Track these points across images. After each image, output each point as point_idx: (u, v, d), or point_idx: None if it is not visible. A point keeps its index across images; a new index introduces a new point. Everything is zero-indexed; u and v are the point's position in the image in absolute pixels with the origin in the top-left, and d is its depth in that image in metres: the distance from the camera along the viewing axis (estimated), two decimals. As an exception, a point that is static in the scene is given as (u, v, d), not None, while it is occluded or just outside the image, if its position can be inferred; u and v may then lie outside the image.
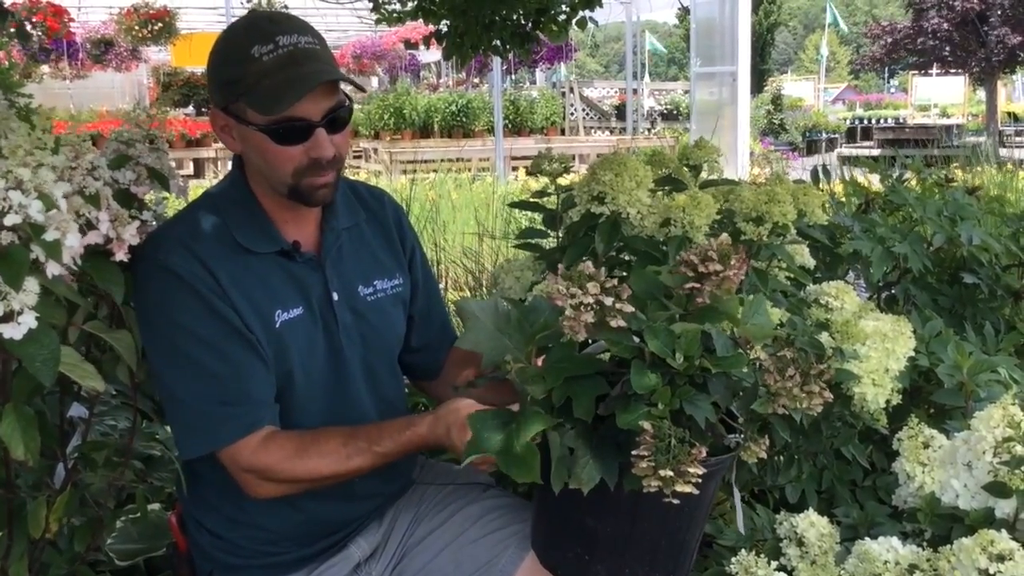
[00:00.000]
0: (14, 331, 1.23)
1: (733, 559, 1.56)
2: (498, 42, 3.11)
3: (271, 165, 1.58)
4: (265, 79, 1.52)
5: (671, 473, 1.22)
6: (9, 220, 1.23)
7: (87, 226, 1.40)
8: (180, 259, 1.55)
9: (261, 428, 1.57)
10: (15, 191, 1.24)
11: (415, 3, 3.16)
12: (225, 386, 1.55)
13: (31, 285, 1.25)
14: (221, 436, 1.56)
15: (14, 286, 1.23)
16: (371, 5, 3.38)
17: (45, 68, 15.77)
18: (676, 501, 1.23)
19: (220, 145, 14.85)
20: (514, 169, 13.32)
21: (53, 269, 1.29)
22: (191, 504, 1.74)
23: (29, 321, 1.24)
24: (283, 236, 1.65)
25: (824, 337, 1.76)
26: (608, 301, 1.28)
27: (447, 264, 5.06)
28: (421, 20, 3.21)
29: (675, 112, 20.11)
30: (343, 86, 1.61)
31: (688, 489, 1.22)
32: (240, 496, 1.61)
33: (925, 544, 1.49)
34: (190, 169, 14.90)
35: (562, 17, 3.11)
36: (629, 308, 1.30)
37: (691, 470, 1.22)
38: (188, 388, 1.55)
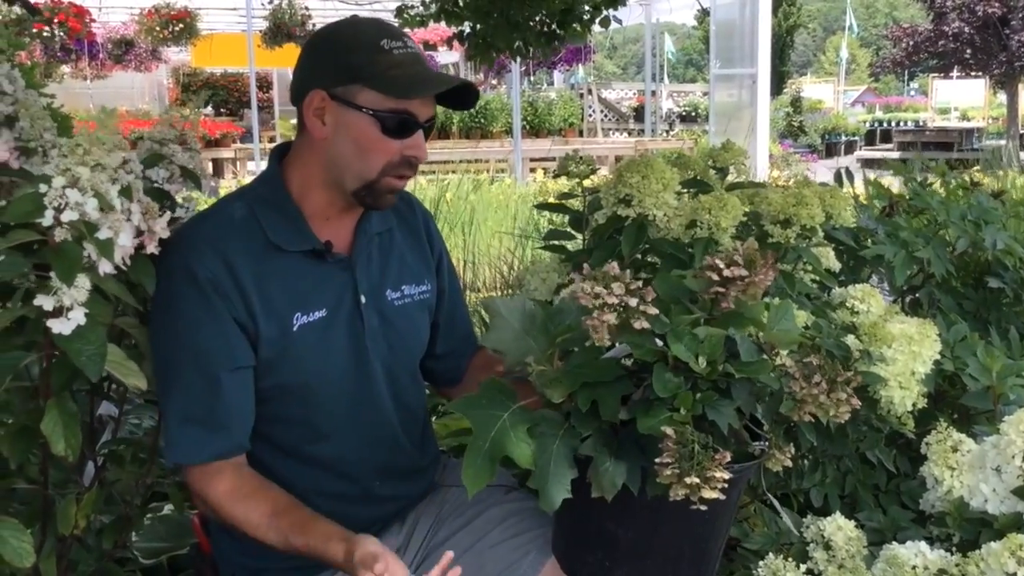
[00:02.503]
0: (63, 326, 1.25)
1: (761, 563, 1.55)
2: (520, 43, 3.11)
3: (364, 154, 1.60)
4: (396, 69, 1.58)
5: (697, 480, 1.21)
6: (66, 217, 1.25)
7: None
8: (203, 259, 1.54)
9: (217, 459, 1.57)
10: (72, 189, 1.26)
11: (438, 5, 3.16)
12: (197, 404, 1.55)
13: (82, 282, 1.27)
14: (176, 453, 1.57)
15: (67, 281, 1.25)
16: (391, 9, 3.39)
17: (66, 68, 15.85)
18: (704, 508, 1.22)
19: (239, 145, 14.97)
20: (532, 171, 13.32)
21: (105, 267, 1.31)
22: None
23: (78, 317, 1.26)
24: (316, 235, 1.64)
25: (851, 340, 1.75)
26: (632, 302, 1.27)
27: (471, 265, 5.07)
28: (443, 22, 3.22)
29: (694, 114, 20.11)
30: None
31: (715, 495, 1.21)
32: None
33: (953, 549, 1.48)
34: (209, 169, 14.99)
35: (586, 16, 3.10)
36: (653, 310, 1.29)
37: (717, 475, 1.21)
38: (168, 395, 1.56)
